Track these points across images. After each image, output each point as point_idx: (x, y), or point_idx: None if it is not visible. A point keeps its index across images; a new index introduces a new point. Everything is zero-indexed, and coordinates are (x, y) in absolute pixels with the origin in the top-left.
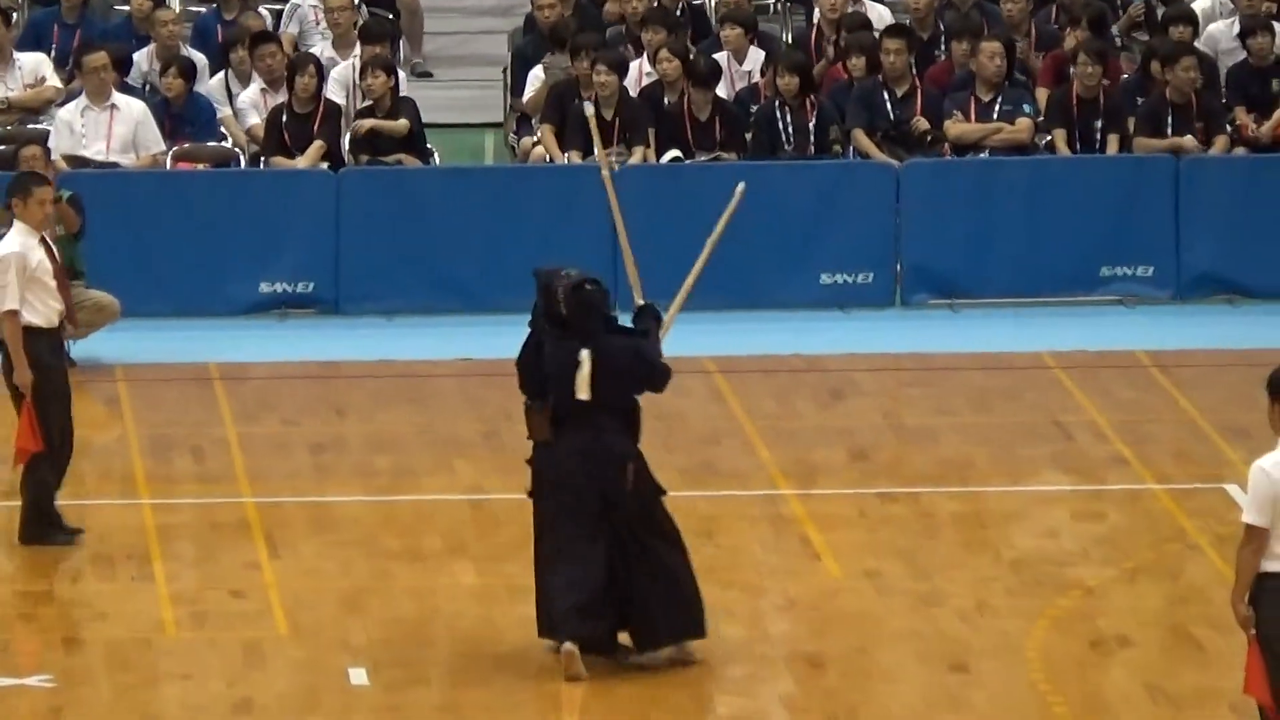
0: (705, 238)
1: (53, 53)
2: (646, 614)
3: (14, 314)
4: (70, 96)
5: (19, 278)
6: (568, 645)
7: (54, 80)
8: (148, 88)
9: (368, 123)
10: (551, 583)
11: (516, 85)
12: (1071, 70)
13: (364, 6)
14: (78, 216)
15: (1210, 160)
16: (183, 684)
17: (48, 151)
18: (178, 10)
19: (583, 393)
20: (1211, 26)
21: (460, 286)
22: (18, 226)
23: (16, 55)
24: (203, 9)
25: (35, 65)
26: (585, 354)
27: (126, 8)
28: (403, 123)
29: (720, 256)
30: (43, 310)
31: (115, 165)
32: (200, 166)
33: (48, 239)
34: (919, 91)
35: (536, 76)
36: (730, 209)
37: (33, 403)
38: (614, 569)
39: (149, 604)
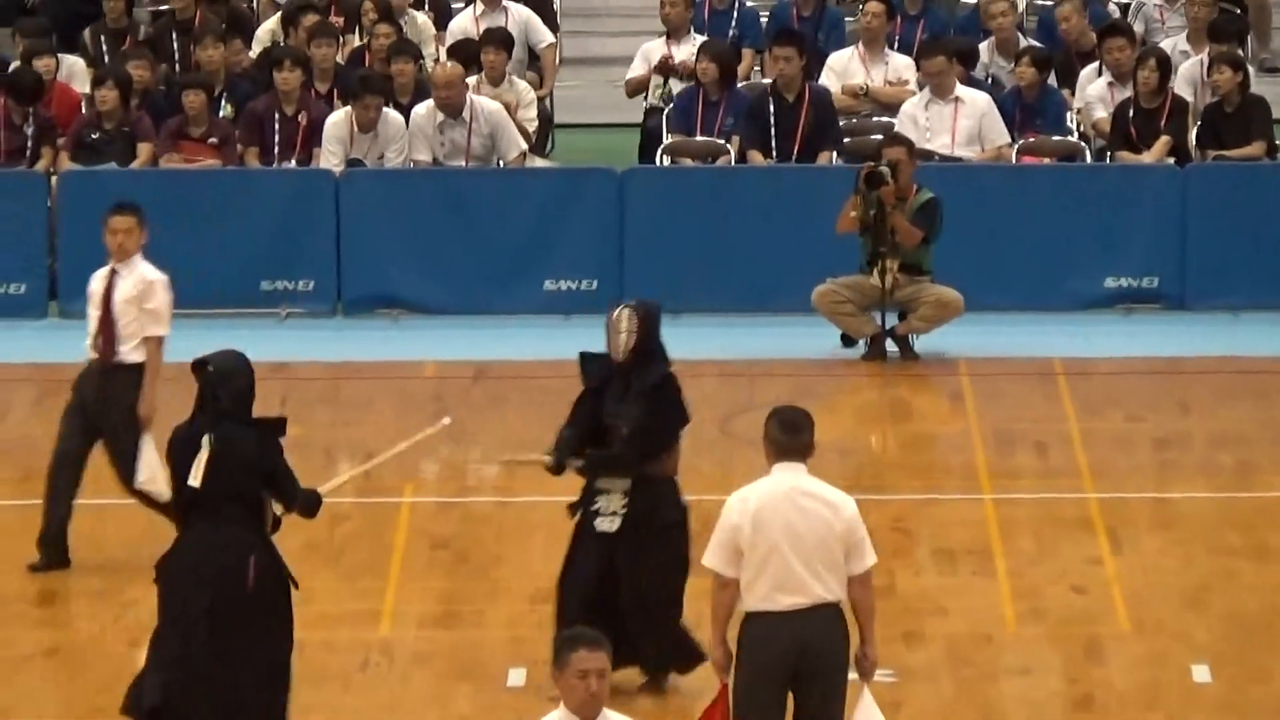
0: None
1: (896, 44)
2: (239, 702)
3: None
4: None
5: None
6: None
7: (914, 85)
8: (990, 80)
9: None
10: (153, 659)
11: None
12: None
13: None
14: (919, 228)
15: None
16: (1022, 680)
17: (911, 150)
18: (1023, 5)
19: (194, 479)
20: None
21: None
22: None
23: (888, 52)
24: (1049, 2)
25: (903, 66)
26: (206, 439)
27: (973, 0)
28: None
29: None
30: None
31: (959, 159)
32: (1044, 160)
33: None
34: None
35: None
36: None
37: None
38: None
39: (990, 599)
